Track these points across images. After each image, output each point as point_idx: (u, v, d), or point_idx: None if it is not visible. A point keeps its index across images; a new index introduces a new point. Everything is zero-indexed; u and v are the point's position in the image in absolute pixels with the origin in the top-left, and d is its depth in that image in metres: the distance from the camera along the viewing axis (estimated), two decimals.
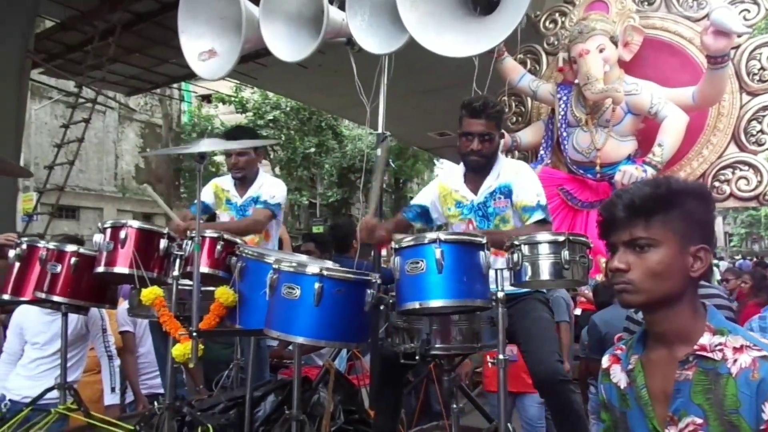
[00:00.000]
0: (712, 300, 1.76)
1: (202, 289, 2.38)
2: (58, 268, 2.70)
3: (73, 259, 2.70)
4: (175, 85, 14.95)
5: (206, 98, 18.54)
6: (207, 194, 3.57)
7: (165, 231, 2.61)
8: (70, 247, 2.75)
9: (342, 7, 3.45)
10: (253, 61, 7.01)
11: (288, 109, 16.80)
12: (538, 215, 2.52)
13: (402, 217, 2.93)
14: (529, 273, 2.11)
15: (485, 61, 3.97)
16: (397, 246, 2.12)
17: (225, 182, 3.60)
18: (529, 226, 2.52)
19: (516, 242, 2.13)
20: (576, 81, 4.37)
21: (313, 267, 2.11)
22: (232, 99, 16.30)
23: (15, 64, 7.09)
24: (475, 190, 2.67)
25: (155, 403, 2.67)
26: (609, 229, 1.29)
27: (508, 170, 2.65)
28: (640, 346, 1.32)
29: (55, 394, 2.87)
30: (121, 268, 2.54)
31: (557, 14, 4.89)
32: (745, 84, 4.19)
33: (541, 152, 4.74)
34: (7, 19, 6.86)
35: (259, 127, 15.24)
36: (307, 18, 3.60)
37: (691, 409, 1.19)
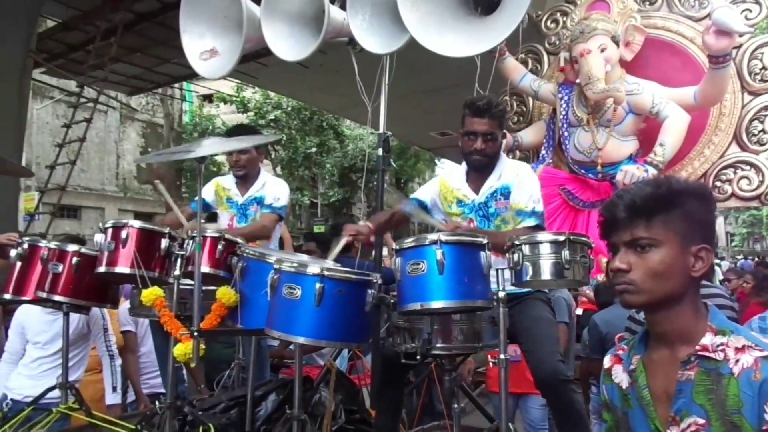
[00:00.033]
0: (714, 300, 1.75)
1: (204, 288, 2.38)
2: (60, 268, 2.70)
3: (74, 259, 2.70)
4: (176, 85, 14.95)
5: (208, 98, 18.54)
6: (208, 192, 3.58)
7: (166, 231, 2.61)
8: (72, 247, 2.75)
9: (343, 7, 3.45)
10: (255, 61, 7.02)
11: (289, 108, 16.79)
12: (530, 222, 2.52)
13: (398, 210, 2.91)
14: (530, 273, 2.10)
15: (487, 61, 3.98)
16: (398, 247, 2.12)
17: (226, 181, 3.60)
18: (519, 230, 2.51)
19: (517, 242, 2.13)
20: (577, 81, 4.37)
21: (314, 267, 2.11)
22: (234, 99, 16.30)
23: (17, 64, 7.09)
24: (476, 190, 2.66)
25: (156, 403, 2.67)
26: (610, 229, 1.29)
27: (509, 171, 2.65)
28: (642, 346, 1.32)
29: (56, 393, 2.87)
30: (123, 268, 2.54)
31: (559, 14, 4.89)
32: (746, 84, 4.18)
33: (543, 152, 4.74)
34: (9, 18, 6.86)
35: (260, 126, 15.21)
36: (308, 17, 3.60)
37: (693, 409, 1.19)
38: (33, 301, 2.90)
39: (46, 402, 2.87)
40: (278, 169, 17.40)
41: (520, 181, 2.60)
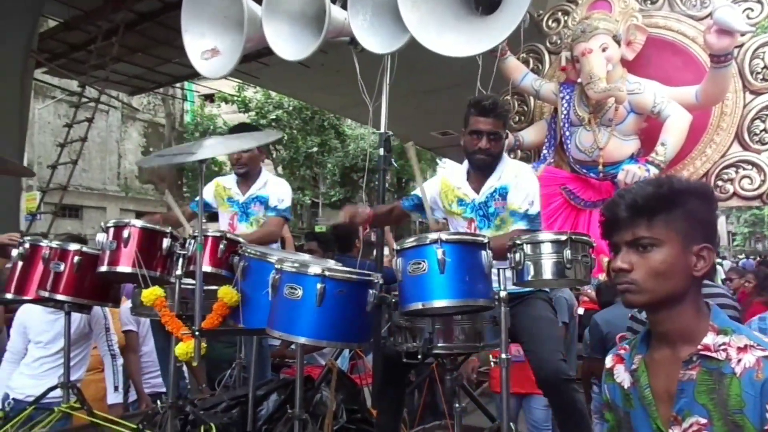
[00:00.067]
0: (716, 299, 1.75)
1: (205, 288, 2.38)
2: (61, 267, 2.70)
3: (76, 258, 2.70)
4: (178, 85, 14.97)
5: (209, 98, 18.55)
6: (208, 193, 3.58)
7: (168, 230, 2.62)
8: (73, 246, 2.75)
9: (344, 7, 3.45)
10: (256, 61, 7.01)
11: (290, 108, 16.81)
12: (521, 225, 2.52)
13: (399, 204, 2.92)
14: (532, 272, 2.10)
15: (488, 60, 3.97)
16: (398, 247, 2.12)
17: (227, 181, 3.61)
18: (510, 231, 2.51)
19: (518, 242, 2.13)
20: (579, 80, 4.36)
21: (315, 267, 2.12)
22: (235, 98, 16.32)
23: (18, 64, 7.11)
24: (477, 190, 2.66)
25: (158, 402, 2.68)
26: (612, 228, 1.29)
27: (509, 172, 2.64)
28: (644, 345, 1.32)
29: (58, 392, 2.87)
30: (124, 267, 2.54)
31: (560, 13, 4.88)
32: (748, 83, 4.18)
33: (544, 151, 4.73)
34: (11, 18, 6.87)
35: (261, 126, 15.22)
36: (309, 17, 3.61)
37: (695, 409, 1.19)
38: (35, 301, 2.90)
39: (48, 401, 2.87)
40: (279, 169, 17.41)
41: (517, 182, 2.60)
